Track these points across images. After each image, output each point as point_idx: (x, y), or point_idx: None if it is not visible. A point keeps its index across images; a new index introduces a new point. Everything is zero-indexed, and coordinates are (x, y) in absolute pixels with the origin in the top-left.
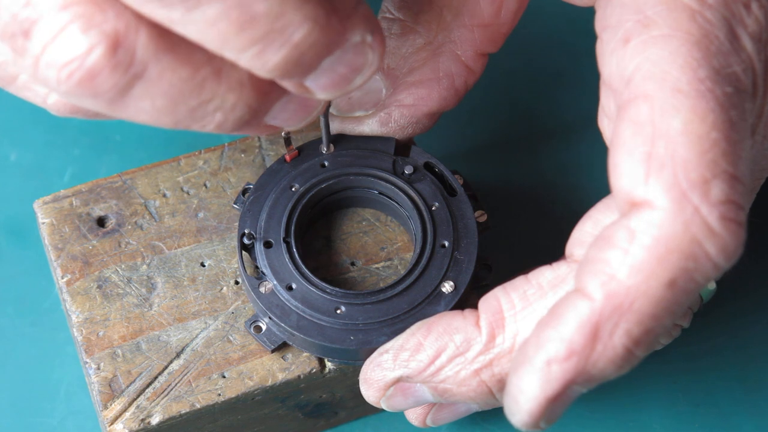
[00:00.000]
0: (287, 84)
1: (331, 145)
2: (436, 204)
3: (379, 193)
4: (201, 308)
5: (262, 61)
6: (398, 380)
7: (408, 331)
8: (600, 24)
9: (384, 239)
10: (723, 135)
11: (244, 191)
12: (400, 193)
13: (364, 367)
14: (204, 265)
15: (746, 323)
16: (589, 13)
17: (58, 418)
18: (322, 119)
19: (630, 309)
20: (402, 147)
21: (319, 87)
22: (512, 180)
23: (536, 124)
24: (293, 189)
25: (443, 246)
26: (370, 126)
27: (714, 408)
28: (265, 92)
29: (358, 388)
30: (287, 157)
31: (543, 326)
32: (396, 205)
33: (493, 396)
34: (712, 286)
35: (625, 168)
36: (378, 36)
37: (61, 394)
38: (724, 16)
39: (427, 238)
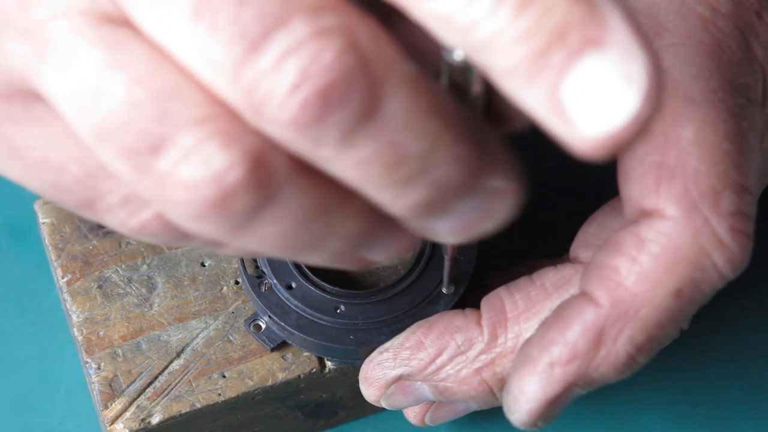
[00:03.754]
0: (413, 222)
1: None
2: None
3: None
4: (201, 308)
5: (401, 199)
6: (398, 379)
7: (408, 330)
8: None
9: None
10: (734, 146)
11: None
12: None
13: (363, 366)
14: (204, 265)
15: (746, 323)
16: None
17: (58, 418)
18: (447, 262)
19: (635, 316)
20: None
21: (445, 229)
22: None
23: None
24: None
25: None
26: None
27: (714, 408)
28: (381, 223)
29: (358, 387)
30: None
31: (547, 328)
32: None
33: (493, 395)
34: None
35: (636, 176)
36: (513, 184)
37: (61, 394)
38: (737, 26)
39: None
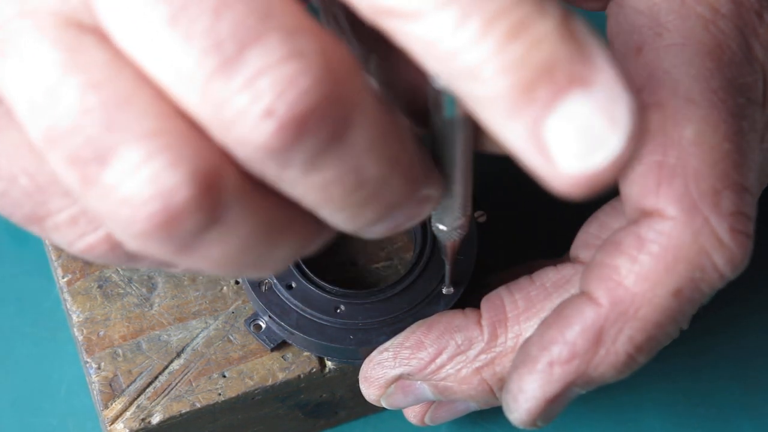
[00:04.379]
0: (353, 230)
1: None
2: None
3: None
4: (201, 308)
5: (356, 218)
6: (398, 378)
7: (408, 330)
8: (612, 30)
9: (384, 239)
10: (734, 146)
11: None
12: None
13: (363, 365)
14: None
15: (747, 324)
16: (596, 16)
17: (58, 418)
18: (447, 263)
19: (635, 316)
20: None
21: (376, 232)
22: (512, 179)
23: None
24: None
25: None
26: None
27: (714, 408)
28: (318, 232)
29: (359, 387)
30: None
31: (547, 327)
32: None
33: (493, 395)
34: None
35: (636, 175)
36: (439, 191)
37: (61, 394)
38: (737, 26)
39: (427, 239)
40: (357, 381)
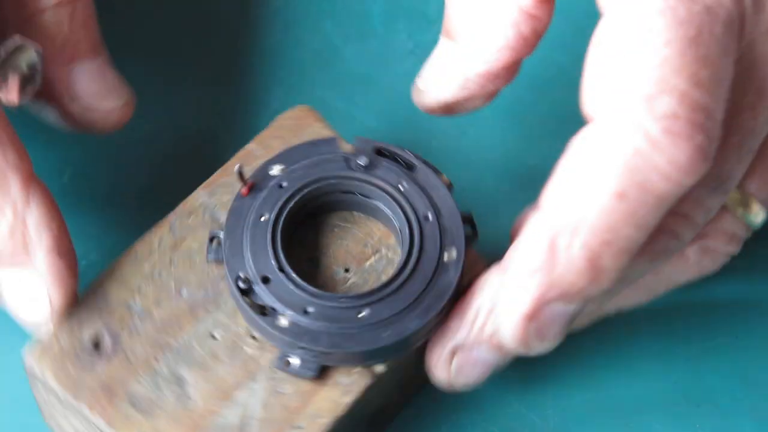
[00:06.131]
0: None
1: (275, 167)
2: (404, 183)
3: (343, 192)
4: (237, 378)
5: None
6: (454, 351)
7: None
8: None
9: (362, 236)
10: (676, 52)
11: (211, 239)
12: (366, 185)
13: (426, 356)
14: (216, 338)
15: (747, 323)
16: (591, 13)
17: None
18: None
19: (583, 221)
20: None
21: None
22: (510, 179)
23: (535, 124)
24: (263, 219)
25: (427, 218)
26: (451, 93)
27: (714, 408)
28: None
29: (405, 384)
30: (244, 191)
31: (513, 248)
32: (364, 198)
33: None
34: (760, 217)
35: (585, 84)
36: None
37: None
38: None
39: (409, 216)
40: (403, 377)
